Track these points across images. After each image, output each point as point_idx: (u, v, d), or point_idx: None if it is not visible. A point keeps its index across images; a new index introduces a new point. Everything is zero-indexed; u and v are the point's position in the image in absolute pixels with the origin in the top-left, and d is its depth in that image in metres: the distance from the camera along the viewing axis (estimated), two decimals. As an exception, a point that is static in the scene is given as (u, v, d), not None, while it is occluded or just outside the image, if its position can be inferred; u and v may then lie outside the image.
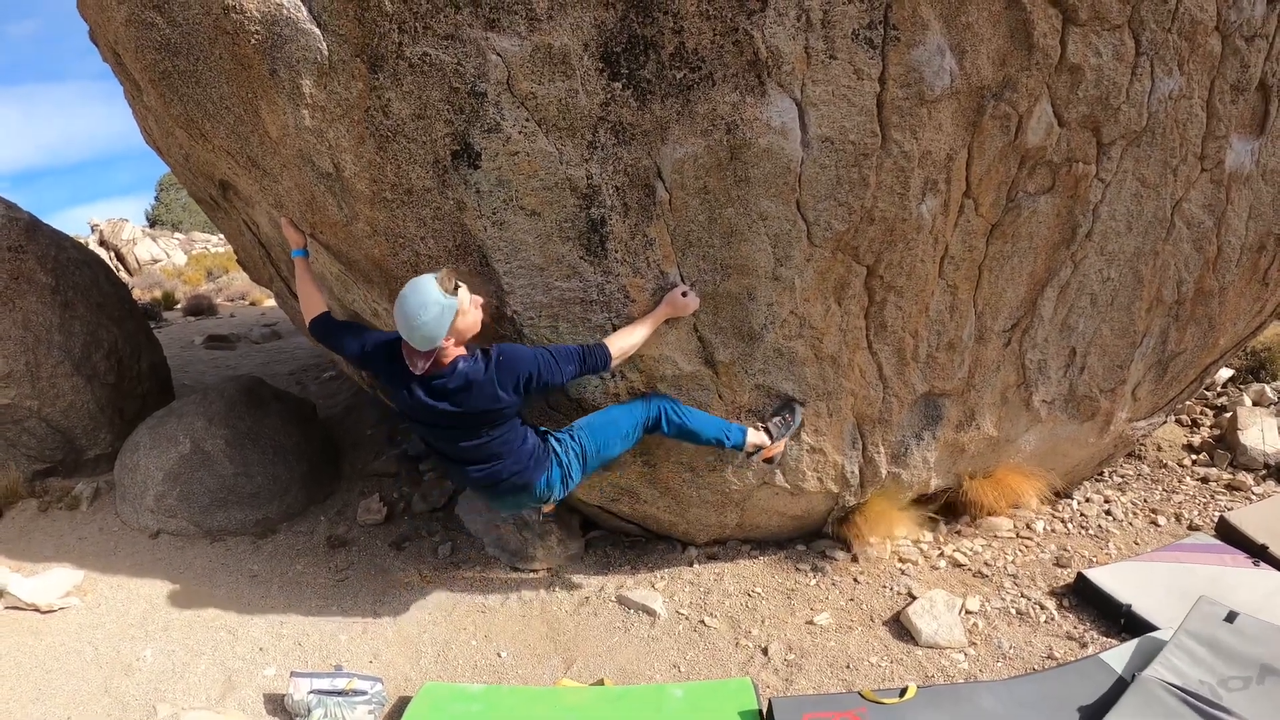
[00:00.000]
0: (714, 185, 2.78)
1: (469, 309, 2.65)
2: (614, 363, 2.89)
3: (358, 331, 2.98)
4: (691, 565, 3.84)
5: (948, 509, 4.04)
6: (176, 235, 24.61)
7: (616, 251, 2.89)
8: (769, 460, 3.36)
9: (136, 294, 13.15)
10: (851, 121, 2.74)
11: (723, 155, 2.73)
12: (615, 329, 2.98)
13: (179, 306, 12.53)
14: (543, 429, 3.09)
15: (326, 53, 2.55)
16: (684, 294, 2.96)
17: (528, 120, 2.65)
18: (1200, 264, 3.66)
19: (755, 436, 3.24)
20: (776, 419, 3.27)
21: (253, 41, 2.54)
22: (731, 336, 3.11)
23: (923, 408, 3.57)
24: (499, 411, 2.78)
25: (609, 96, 2.65)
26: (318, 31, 2.53)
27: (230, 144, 2.96)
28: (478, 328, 2.74)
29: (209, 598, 3.88)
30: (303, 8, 2.51)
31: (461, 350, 2.75)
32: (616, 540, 4.09)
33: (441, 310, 2.54)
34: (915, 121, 2.79)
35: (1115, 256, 3.46)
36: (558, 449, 3.02)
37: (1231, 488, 4.37)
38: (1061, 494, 4.29)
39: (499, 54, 2.57)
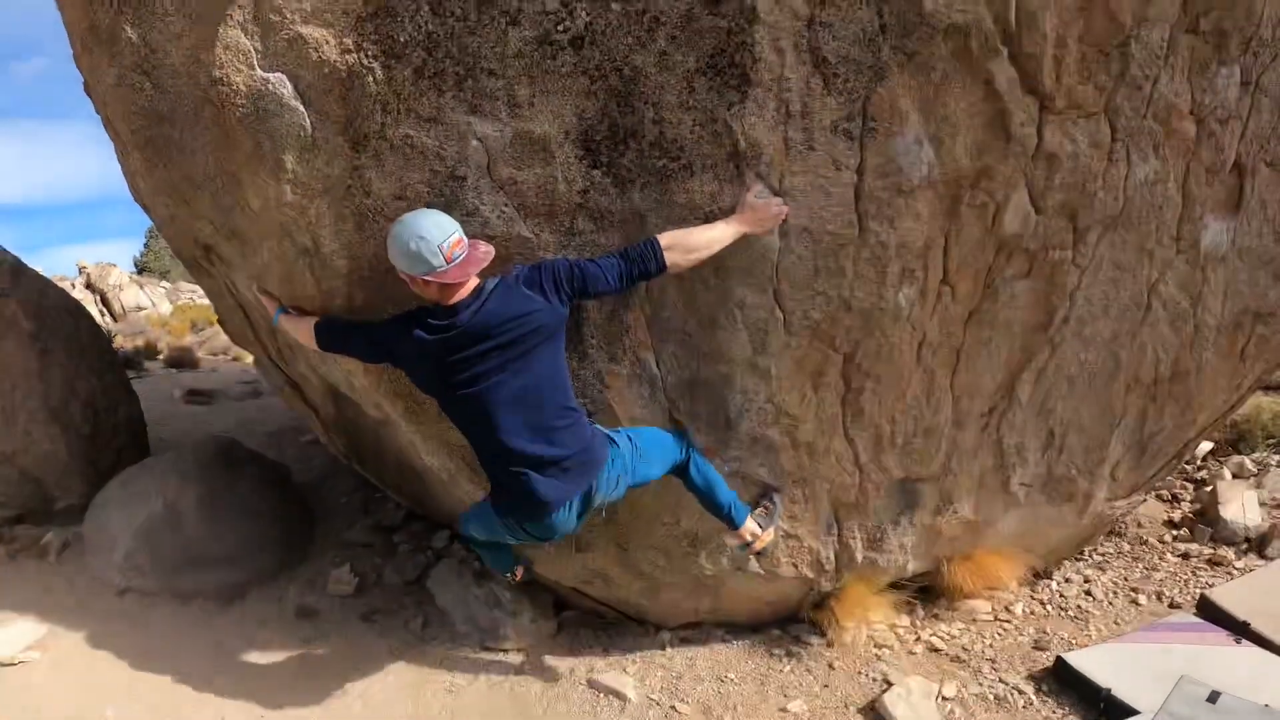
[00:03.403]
0: (691, 273, 2.77)
1: None
2: (671, 259, 2.50)
3: (360, 328, 2.73)
4: (664, 649, 3.77)
5: (925, 591, 3.98)
6: (163, 284, 24.33)
7: (592, 338, 2.88)
8: (759, 553, 3.20)
9: (119, 340, 12.95)
10: (829, 212, 2.76)
11: (701, 244, 2.72)
12: (590, 415, 2.79)
13: (161, 357, 12.30)
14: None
15: (310, 130, 2.55)
16: (758, 195, 2.64)
17: (506, 205, 2.66)
18: (1177, 345, 3.66)
19: (751, 524, 3.10)
20: (759, 510, 3.19)
21: (238, 114, 2.54)
22: (706, 424, 3.10)
23: (900, 493, 3.54)
24: (536, 318, 2.44)
25: (588, 184, 2.67)
26: (302, 109, 2.54)
27: (212, 213, 2.95)
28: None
29: (174, 660, 3.77)
30: (288, 84, 2.52)
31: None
32: (589, 621, 4.01)
33: (459, 226, 2.42)
34: (893, 211, 2.81)
35: (1093, 340, 3.46)
36: (614, 437, 2.73)
37: (1213, 563, 4.33)
38: (1041, 574, 4.24)
39: (480, 139, 2.58)
